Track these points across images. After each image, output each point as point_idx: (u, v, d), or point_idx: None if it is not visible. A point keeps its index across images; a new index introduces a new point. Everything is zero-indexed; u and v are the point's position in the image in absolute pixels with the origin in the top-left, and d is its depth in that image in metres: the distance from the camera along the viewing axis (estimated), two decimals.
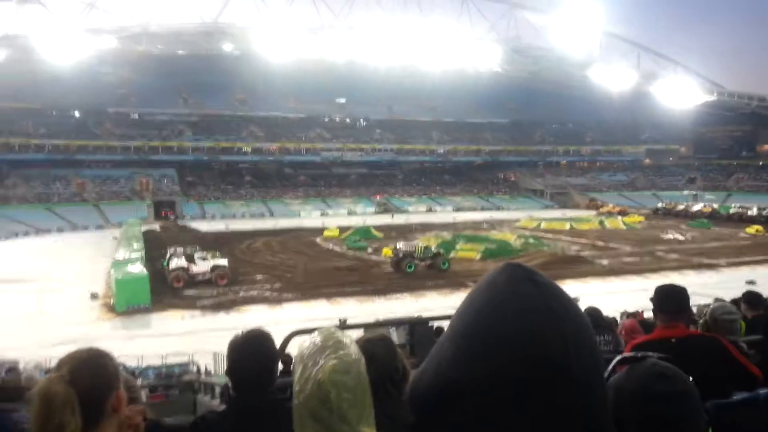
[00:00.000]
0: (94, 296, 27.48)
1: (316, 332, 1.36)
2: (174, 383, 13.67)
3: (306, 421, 1.25)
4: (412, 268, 32.59)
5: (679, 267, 34.07)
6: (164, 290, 29.06)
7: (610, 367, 1.20)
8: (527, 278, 0.76)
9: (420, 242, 37.56)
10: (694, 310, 4.76)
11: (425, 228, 52.75)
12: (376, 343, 2.16)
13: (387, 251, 38.87)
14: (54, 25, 59.04)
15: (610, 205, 74.25)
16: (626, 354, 1.20)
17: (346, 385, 1.24)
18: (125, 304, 25.29)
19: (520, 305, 0.74)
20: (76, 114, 79.80)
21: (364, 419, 1.26)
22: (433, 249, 35.07)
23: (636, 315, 11.43)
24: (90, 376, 1.48)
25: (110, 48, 65.18)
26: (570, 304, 0.77)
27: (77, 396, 1.38)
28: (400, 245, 34.75)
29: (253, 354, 2.23)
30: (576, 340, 0.73)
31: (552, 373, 0.70)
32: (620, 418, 1.08)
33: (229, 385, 2.30)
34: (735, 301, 5.20)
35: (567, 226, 54.74)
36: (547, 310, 0.73)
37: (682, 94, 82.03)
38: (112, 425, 1.50)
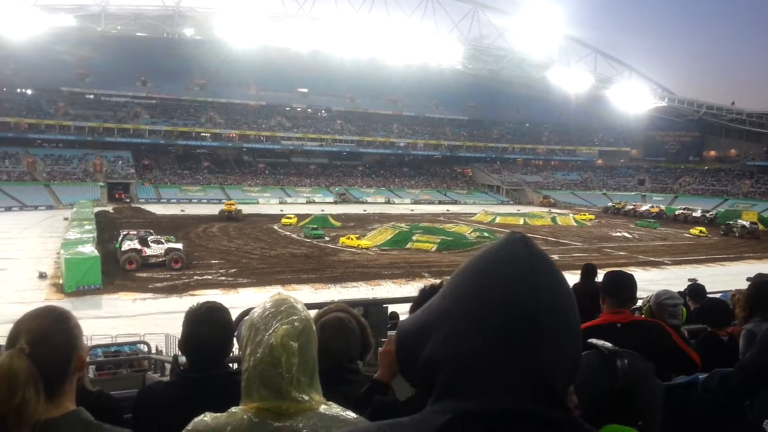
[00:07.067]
0: (42, 276, 26.85)
1: (268, 298, 1.43)
2: (123, 361, 13.56)
3: (254, 386, 1.32)
4: None
5: (626, 264, 35.31)
6: (116, 272, 28.63)
7: None
8: (521, 239, 0.81)
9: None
10: (639, 303, 5.01)
11: (383, 218, 53.15)
12: (330, 330, 2.24)
13: (344, 240, 39.17)
14: (7, 1, 56.89)
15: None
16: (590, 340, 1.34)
17: (296, 351, 1.32)
18: (75, 284, 24.84)
19: (507, 257, 0.79)
20: (29, 92, 77.04)
21: (313, 386, 1.37)
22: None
23: None
24: (52, 346, 1.37)
25: (67, 26, 63.22)
26: (556, 271, 0.81)
27: (39, 369, 1.30)
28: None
29: (211, 324, 2.13)
30: (551, 298, 0.77)
31: (518, 320, 0.74)
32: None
33: (179, 356, 2.18)
34: (680, 294, 5.21)
35: (521, 222, 56.01)
36: (529, 266, 0.77)
37: (634, 98, 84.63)
38: (73, 386, 1.44)
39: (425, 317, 0.86)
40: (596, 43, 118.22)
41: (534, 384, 0.74)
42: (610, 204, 75.58)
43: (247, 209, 59.54)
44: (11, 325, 1.42)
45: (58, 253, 29.56)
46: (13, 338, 1.37)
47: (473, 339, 0.76)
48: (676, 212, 64.93)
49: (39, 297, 24.35)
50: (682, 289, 5.82)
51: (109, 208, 57.57)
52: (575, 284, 4.94)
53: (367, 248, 37.75)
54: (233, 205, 54.08)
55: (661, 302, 3.68)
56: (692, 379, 2.50)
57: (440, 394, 0.79)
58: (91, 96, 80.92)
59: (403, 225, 44.55)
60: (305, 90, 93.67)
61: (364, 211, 64.17)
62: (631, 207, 70.73)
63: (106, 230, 39.21)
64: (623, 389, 1.21)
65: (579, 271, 6.52)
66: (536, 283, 0.76)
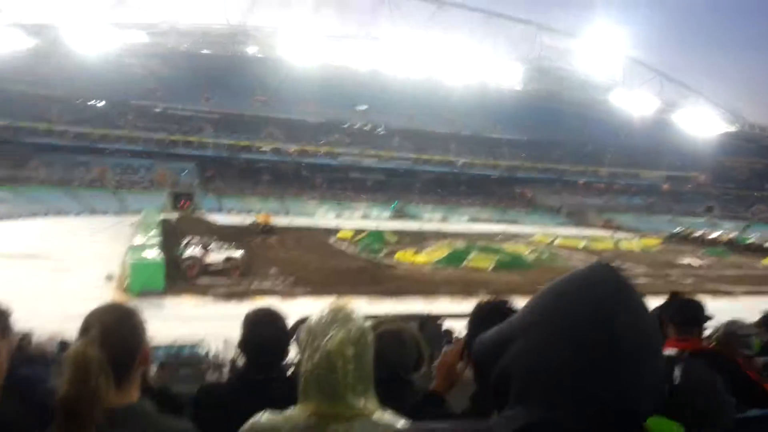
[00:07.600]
0: (109, 278, 27.89)
1: (326, 305, 1.48)
2: (183, 362, 13.94)
3: (310, 390, 1.37)
4: None
5: (693, 291, 33.61)
6: (178, 277, 29.42)
7: None
8: (608, 266, 0.83)
9: None
10: (707, 332, 4.74)
11: (439, 236, 52.85)
12: (386, 340, 2.26)
13: (399, 256, 39.16)
14: (83, 18, 60.49)
15: None
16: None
17: (352, 357, 1.36)
18: (140, 287, 25.68)
19: (593, 280, 0.81)
20: (101, 105, 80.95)
21: (368, 392, 1.41)
22: None
23: None
24: (120, 337, 1.49)
25: (138, 43, 66.50)
26: (640, 297, 0.81)
27: (108, 359, 1.38)
28: None
29: (270, 326, 2.22)
30: (634, 322, 0.77)
31: (599, 341, 0.76)
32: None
33: (237, 359, 2.30)
34: (753, 325, 4.91)
35: (581, 245, 54.48)
36: (615, 291, 0.79)
37: (702, 123, 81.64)
38: (137, 379, 1.54)
39: (506, 329, 0.88)
40: (661, 64, 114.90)
41: (609, 403, 0.75)
42: (676, 230, 72.58)
43: (303, 222, 60.45)
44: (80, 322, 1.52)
45: (125, 258, 30.75)
46: (85, 329, 1.49)
47: (552, 353, 0.77)
48: (748, 241, 61.72)
49: (106, 296, 25.36)
50: (754, 321, 5.51)
51: (173, 216, 59.50)
52: (658, 306, 4.76)
53: (422, 264, 37.59)
54: (269, 217, 51.44)
55: (732, 332, 3.52)
56: (765, 412, 2.37)
57: (513, 402, 0.80)
58: (159, 109, 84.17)
59: (459, 243, 44.14)
60: (363, 108, 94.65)
61: (420, 227, 64.01)
62: (700, 234, 67.67)
63: (170, 237, 40.41)
64: (676, 389, 1.23)
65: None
66: (620, 307, 0.77)
